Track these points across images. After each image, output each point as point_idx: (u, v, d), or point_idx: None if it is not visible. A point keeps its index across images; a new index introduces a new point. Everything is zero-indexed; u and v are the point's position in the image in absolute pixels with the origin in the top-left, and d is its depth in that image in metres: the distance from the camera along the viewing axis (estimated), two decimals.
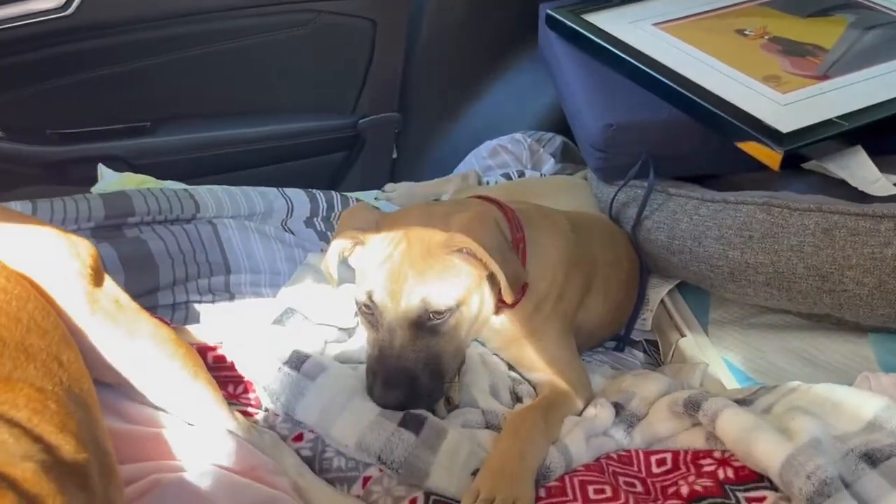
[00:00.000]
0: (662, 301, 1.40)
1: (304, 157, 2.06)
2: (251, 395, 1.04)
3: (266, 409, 1.02)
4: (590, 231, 1.32)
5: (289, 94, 2.00)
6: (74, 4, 1.71)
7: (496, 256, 1.01)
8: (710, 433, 0.97)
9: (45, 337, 0.71)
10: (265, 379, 1.01)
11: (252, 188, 1.65)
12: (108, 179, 1.71)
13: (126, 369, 0.87)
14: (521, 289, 1.11)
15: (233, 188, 1.62)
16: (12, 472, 0.52)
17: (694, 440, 0.99)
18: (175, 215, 1.49)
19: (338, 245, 1.09)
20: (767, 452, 0.87)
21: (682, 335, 1.31)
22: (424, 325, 1.02)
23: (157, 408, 0.89)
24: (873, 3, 1.67)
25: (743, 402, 1.01)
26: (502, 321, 1.15)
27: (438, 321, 1.02)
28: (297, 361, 1.01)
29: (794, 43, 1.53)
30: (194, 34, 1.85)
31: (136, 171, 1.79)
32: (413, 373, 0.99)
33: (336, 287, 1.15)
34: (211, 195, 1.55)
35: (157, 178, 1.73)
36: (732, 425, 0.92)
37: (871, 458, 0.85)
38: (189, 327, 1.10)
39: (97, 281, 0.87)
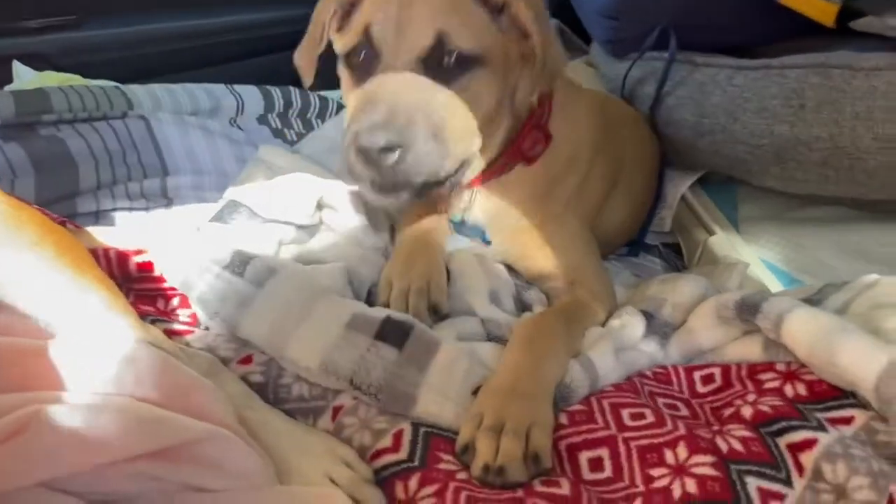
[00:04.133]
0: (683, 197, 1.18)
1: (260, 55, 1.80)
2: (186, 312, 0.81)
3: (205, 328, 0.79)
4: (619, 120, 1.10)
5: None
6: None
7: (540, 17, 0.81)
8: (771, 341, 0.76)
9: None
10: (199, 288, 0.78)
11: (196, 84, 1.41)
12: (24, 78, 1.47)
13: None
14: (542, 139, 0.91)
15: (173, 85, 1.38)
16: None
17: (747, 351, 0.79)
18: (102, 113, 1.26)
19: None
20: (858, 360, 0.66)
21: (712, 233, 1.11)
22: (436, 68, 0.78)
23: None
24: None
25: (809, 301, 0.80)
26: (513, 183, 0.93)
27: (453, 65, 0.78)
28: (240, 265, 0.78)
29: None
30: None
31: (61, 71, 1.53)
32: (411, 111, 0.75)
33: (308, 86, 0.93)
34: (146, 92, 1.32)
35: (86, 77, 1.48)
36: (806, 329, 0.71)
37: None
38: (99, 229, 0.85)
39: None
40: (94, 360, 0.58)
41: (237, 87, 1.45)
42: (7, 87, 1.44)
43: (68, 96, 1.25)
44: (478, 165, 0.90)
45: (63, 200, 1.08)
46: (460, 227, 0.97)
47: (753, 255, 1.06)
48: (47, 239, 0.65)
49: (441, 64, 0.78)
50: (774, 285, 1.00)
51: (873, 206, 1.03)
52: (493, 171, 0.92)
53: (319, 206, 0.94)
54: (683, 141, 1.12)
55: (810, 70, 0.96)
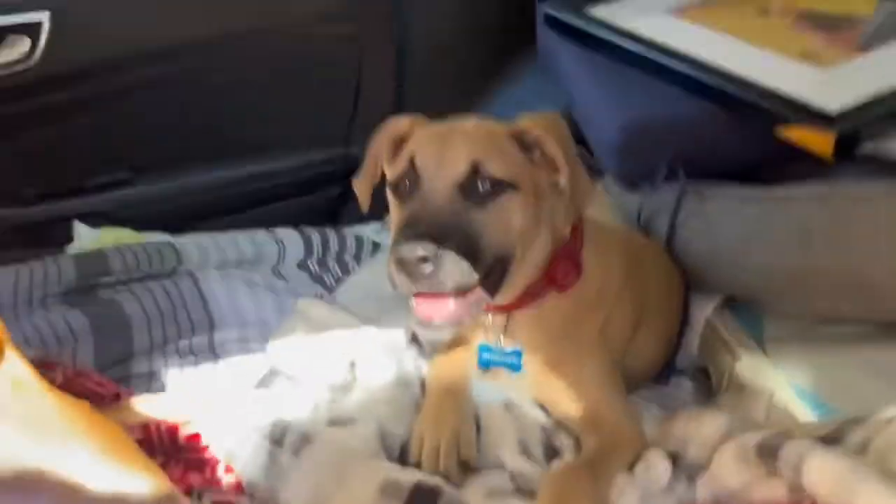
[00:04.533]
0: (708, 320, 1.21)
1: (298, 196, 1.92)
2: (230, 478, 0.86)
3: (250, 494, 0.84)
4: (643, 255, 1.15)
5: (274, 131, 1.87)
6: (38, 53, 1.58)
7: (568, 154, 0.88)
8: (794, 483, 0.78)
9: None
10: (242, 458, 0.83)
11: (240, 232, 1.52)
12: (84, 236, 1.59)
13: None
14: (574, 269, 0.97)
15: (219, 235, 1.50)
16: None
17: (774, 491, 0.80)
18: (155, 269, 1.37)
19: (391, 128, 0.96)
20: None
21: (737, 358, 1.12)
22: (471, 192, 0.86)
23: None
24: None
25: (828, 440, 0.82)
26: (546, 311, 0.98)
27: (488, 190, 0.85)
28: (279, 434, 0.84)
29: (825, 16, 1.36)
30: (170, 74, 1.72)
31: (117, 224, 1.67)
32: (445, 227, 0.82)
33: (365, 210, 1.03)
34: (194, 244, 1.44)
35: (141, 229, 1.62)
36: (824, 474, 0.73)
37: None
38: (150, 397, 0.92)
39: None
40: None
41: (278, 230, 1.55)
42: (69, 247, 1.58)
43: (124, 256, 1.37)
44: (511, 283, 0.94)
45: (118, 364, 1.16)
46: (490, 354, 1.01)
47: (781, 379, 1.07)
48: (95, 437, 0.71)
49: (476, 188, 0.86)
50: (802, 412, 1.01)
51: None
52: (528, 297, 0.97)
53: (352, 365, 1.00)
54: (701, 270, 1.16)
55: (814, 201, 1.01)
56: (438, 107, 1.98)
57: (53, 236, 1.71)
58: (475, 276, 0.83)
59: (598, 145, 1.33)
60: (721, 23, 1.37)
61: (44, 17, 1.57)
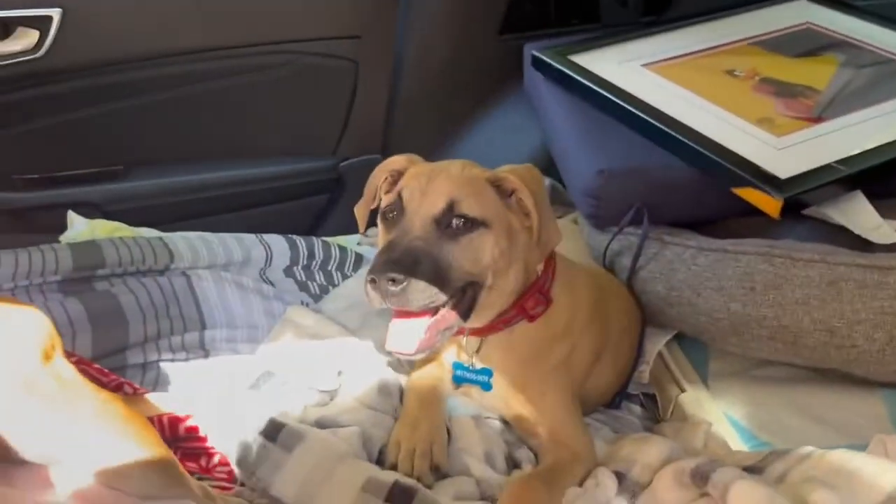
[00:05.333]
0: (660, 353, 1.34)
1: (284, 201, 2.00)
2: (225, 469, 0.96)
3: (242, 484, 0.93)
4: (609, 293, 1.27)
5: (268, 137, 1.95)
6: (45, 47, 1.65)
7: (540, 202, 1.00)
8: None
9: None
10: (239, 451, 0.93)
11: (230, 234, 1.59)
12: (78, 228, 1.65)
13: (69, 452, 0.79)
14: (543, 299, 1.08)
15: (209, 235, 1.56)
16: None
17: None
18: (148, 266, 1.43)
19: (390, 164, 1.08)
20: None
21: (682, 390, 1.25)
22: (445, 225, 0.97)
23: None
24: (861, 41, 1.65)
25: (753, 469, 0.95)
26: (516, 337, 1.10)
27: (461, 226, 0.97)
28: (273, 431, 0.93)
29: (785, 84, 1.50)
30: (170, 76, 1.80)
31: (108, 218, 1.73)
32: (417, 255, 0.93)
33: (364, 233, 1.15)
34: (186, 243, 1.49)
35: (131, 224, 1.67)
36: (746, 500, 0.85)
37: None
38: (156, 395, 1.02)
39: (46, 359, 0.79)
40: None
41: (266, 236, 1.62)
42: (63, 236, 1.63)
43: (118, 249, 1.42)
44: (484, 309, 1.05)
45: (115, 354, 1.23)
46: (463, 372, 1.12)
47: (719, 412, 1.20)
48: (131, 429, 0.80)
49: (451, 224, 0.97)
50: (737, 443, 1.14)
51: (826, 370, 1.18)
52: (500, 324, 1.08)
53: (339, 373, 1.10)
54: (656, 308, 1.29)
55: (758, 257, 1.14)
56: (424, 128, 2.11)
57: (44, 224, 1.77)
58: (442, 298, 0.94)
59: (573, 186, 1.45)
60: (689, 79, 1.50)
61: (55, 12, 1.63)
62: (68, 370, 0.81)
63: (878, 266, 1.03)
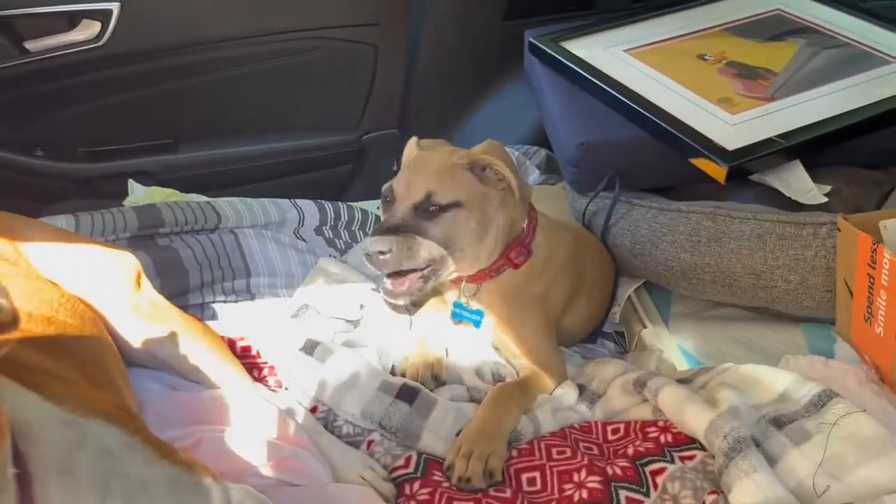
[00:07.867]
0: (630, 297, 1.59)
1: (314, 170, 2.26)
2: (273, 379, 1.24)
3: (286, 388, 1.21)
4: (585, 247, 1.51)
5: (299, 114, 2.20)
6: (106, 36, 1.90)
7: (510, 166, 1.25)
8: (655, 406, 1.16)
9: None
10: (284, 363, 1.21)
11: (267, 199, 1.83)
12: (138, 193, 1.89)
13: (166, 357, 1.07)
14: (525, 250, 1.33)
15: (250, 199, 1.80)
16: None
17: (643, 412, 1.18)
18: (200, 225, 1.67)
19: (408, 148, 1.36)
20: (695, 419, 1.06)
21: (644, 326, 1.51)
22: (423, 210, 1.21)
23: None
24: (824, 27, 1.85)
25: (684, 380, 1.20)
26: (503, 281, 1.34)
27: (435, 210, 1.21)
28: (310, 348, 1.21)
29: (748, 67, 1.70)
30: (214, 60, 2.05)
31: (162, 185, 1.98)
32: (396, 229, 1.19)
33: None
34: (231, 207, 1.74)
35: (181, 191, 1.91)
36: (670, 398, 1.11)
37: (778, 423, 1.04)
38: (215, 323, 1.30)
39: (138, 288, 1.06)
40: (237, 408, 1.01)
41: (298, 201, 1.87)
42: (126, 200, 1.90)
43: (174, 211, 1.67)
44: (474, 262, 1.31)
45: (178, 296, 1.50)
46: (462, 310, 1.38)
47: (673, 344, 1.45)
48: (211, 341, 1.08)
49: (427, 209, 1.22)
50: (684, 367, 1.39)
51: (761, 310, 1.43)
52: (491, 272, 1.34)
53: (361, 307, 1.38)
54: (624, 258, 1.54)
55: (704, 215, 1.38)
56: (436, 105, 2.36)
57: (108, 190, 2.04)
58: (420, 262, 1.22)
59: (559, 157, 1.69)
60: (663, 63, 1.71)
61: (114, 6, 1.88)
62: (159, 298, 1.09)
63: (794, 221, 1.27)
